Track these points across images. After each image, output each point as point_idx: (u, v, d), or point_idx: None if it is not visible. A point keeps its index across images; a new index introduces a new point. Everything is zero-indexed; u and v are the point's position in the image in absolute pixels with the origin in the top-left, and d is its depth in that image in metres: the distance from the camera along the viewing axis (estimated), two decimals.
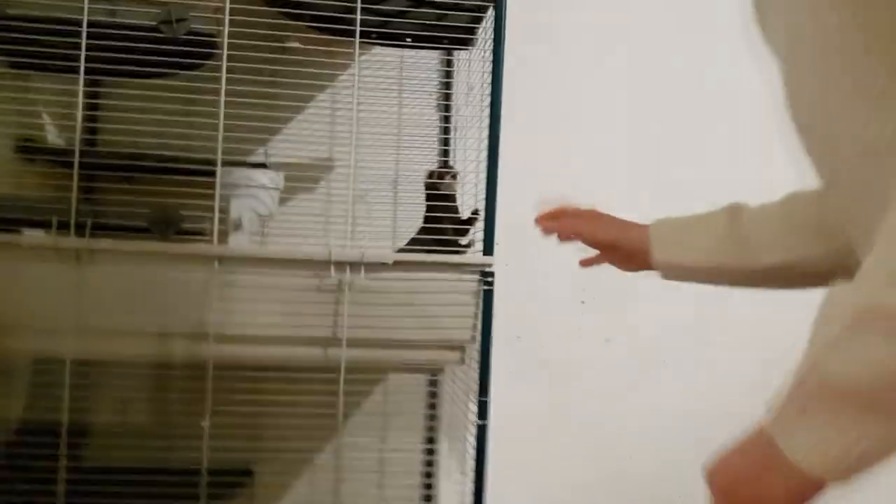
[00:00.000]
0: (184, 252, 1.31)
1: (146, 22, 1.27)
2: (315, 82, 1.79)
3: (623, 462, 1.88)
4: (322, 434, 1.65)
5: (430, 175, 1.63)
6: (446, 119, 1.99)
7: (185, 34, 1.28)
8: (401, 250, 1.50)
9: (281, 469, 1.72)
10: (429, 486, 1.70)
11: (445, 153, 1.95)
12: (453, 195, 1.57)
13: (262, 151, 1.83)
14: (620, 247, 0.95)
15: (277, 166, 1.80)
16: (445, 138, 1.97)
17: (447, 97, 1.98)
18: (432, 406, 1.72)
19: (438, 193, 1.56)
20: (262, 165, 1.79)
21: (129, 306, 1.31)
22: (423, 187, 1.61)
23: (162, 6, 1.27)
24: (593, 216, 0.98)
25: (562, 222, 0.99)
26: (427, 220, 1.54)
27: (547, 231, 1.00)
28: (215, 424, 1.35)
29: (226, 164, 1.37)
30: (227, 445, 1.41)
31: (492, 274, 1.37)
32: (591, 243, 0.98)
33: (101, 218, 1.34)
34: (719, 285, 0.91)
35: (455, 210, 1.56)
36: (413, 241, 1.55)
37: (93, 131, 1.66)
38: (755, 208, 0.87)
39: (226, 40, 1.30)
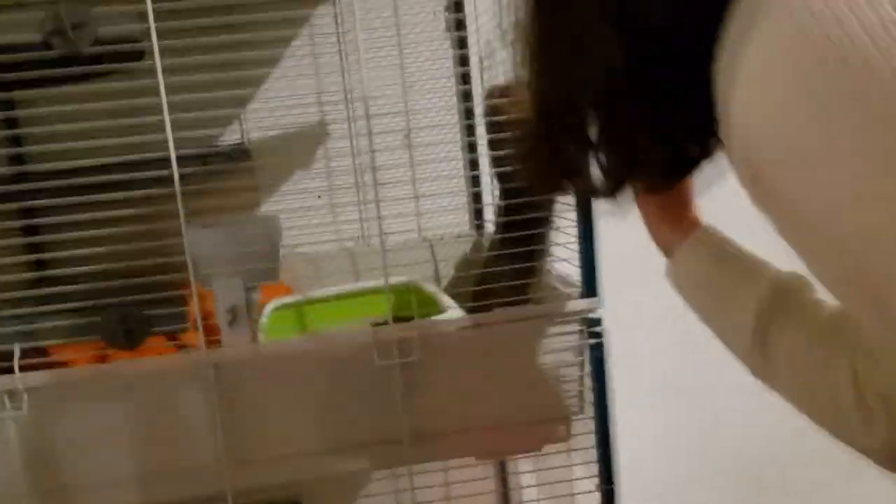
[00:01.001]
0: (162, 367, 0.91)
1: (28, 38, 0.78)
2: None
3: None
4: None
5: (491, 93, 1.08)
6: (461, 44, 1.50)
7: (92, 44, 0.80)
8: (478, 288, 1.07)
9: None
10: None
11: (466, 96, 1.47)
12: None
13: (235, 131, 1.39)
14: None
15: (257, 148, 1.38)
16: (465, 72, 1.49)
17: (458, 6, 1.47)
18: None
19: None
20: (242, 150, 1.37)
21: (99, 449, 0.92)
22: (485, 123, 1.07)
23: (48, 6, 0.78)
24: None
25: None
26: (501, 177, 1.05)
27: None
28: None
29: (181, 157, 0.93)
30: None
31: (599, 322, 0.97)
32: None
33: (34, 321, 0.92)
34: None
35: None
36: (498, 244, 1.06)
37: (18, 159, 1.18)
38: (801, 317, 0.61)
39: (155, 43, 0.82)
